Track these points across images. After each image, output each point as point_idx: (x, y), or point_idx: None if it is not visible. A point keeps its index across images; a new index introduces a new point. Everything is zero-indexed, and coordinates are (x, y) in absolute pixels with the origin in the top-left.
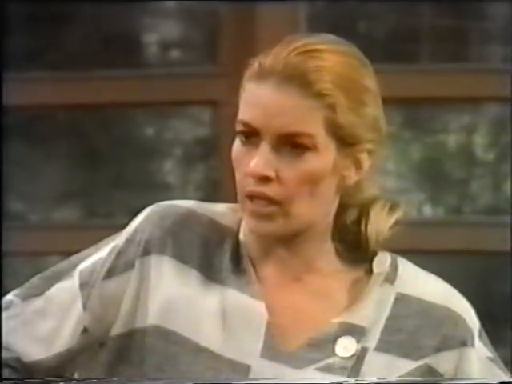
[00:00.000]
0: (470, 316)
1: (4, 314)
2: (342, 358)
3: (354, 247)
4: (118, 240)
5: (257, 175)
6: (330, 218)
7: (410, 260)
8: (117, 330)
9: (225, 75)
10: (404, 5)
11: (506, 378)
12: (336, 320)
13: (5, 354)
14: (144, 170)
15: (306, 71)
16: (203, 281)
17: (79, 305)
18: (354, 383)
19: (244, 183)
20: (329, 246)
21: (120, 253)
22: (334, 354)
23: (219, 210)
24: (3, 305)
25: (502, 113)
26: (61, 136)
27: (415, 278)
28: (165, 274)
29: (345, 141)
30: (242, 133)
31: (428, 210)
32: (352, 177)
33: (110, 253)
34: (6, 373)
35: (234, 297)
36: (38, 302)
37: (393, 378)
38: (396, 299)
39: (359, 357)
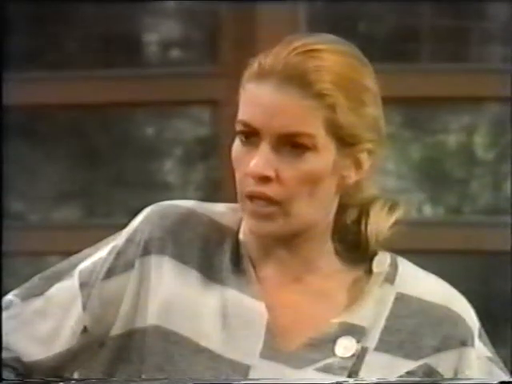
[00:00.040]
0: (469, 316)
1: (4, 314)
2: (342, 358)
3: (354, 247)
4: (118, 240)
5: (257, 175)
6: (330, 218)
7: (410, 260)
8: (117, 329)
9: (225, 75)
10: (404, 5)
11: (506, 378)
12: (336, 320)
13: (5, 354)
14: (144, 169)
15: (305, 71)
16: (203, 281)
17: (79, 305)
18: (353, 383)
19: (244, 183)
20: (329, 246)
21: (120, 253)
22: (333, 354)
23: (219, 209)
24: (3, 305)
25: (502, 113)
26: (61, 136)
27: (415, 278)
28: (165, 273)
29: (345, 141)
30: (241, 133)
31: (428, 210)
32: (352, 177)
33: (109, 253)
34: (5, 373)
35: (233, 297)
36: (37, 302)
37: (393, 378)
38: (396, 299)
39: (359, 357)
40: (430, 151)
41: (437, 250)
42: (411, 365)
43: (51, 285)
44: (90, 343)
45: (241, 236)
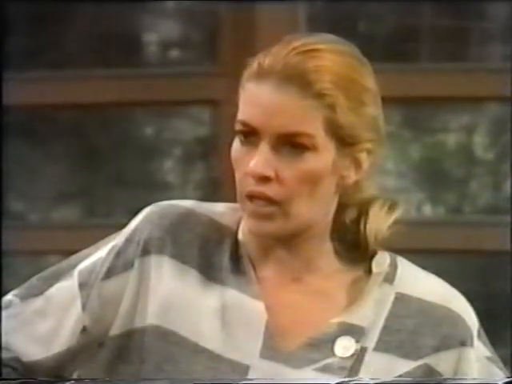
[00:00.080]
0: (469, 316)
1: (3, 314)
2: (341, 358)
3: (354, 247)
4: (118, 240)
5: (256, 175)
6: (330, 218)
7: (410, 259)
8: (116, 329)
9: (225, 75)
10: (404, 4)
11: (506, 378)
12: (335, 320)
13: (4, 354)
14: (144, 169)
15: (305, 71)
16: (202, 281)
17: (78, 305)
18: (353, 383)
19: (244, 183)
20: (328, 246)
21: (119, 253)
22: (333, 354)
23: (218, 209)
24: (3, 305)
25: (501, 112)
26: (61, 135)
27: (415, 278)
28: (164, 273)
29: (344, 140)
30: (241, 132)
31: (428, 210)
32: (351, 176)
33: (109, 253)
34: (5, 372)
35: (233, 296)
36: (37, 302)
37: (392, 378)
38: (395, 299)
39: (358, 357)
40: (429, 151)
41: (436, 249)
42: (411, 365)
43: (51, 285)
44: (90, 343)
45: (240, 236)
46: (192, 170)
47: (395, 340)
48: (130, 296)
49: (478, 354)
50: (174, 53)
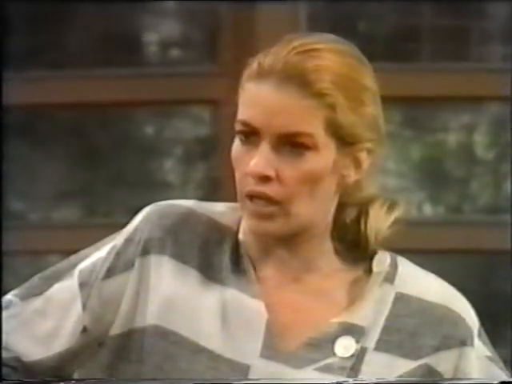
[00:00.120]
0: (469, 315)
1: (4, 314)
2: (342, 357)
3: (354, 246)
4: (118, 240)
5: (257, 175)
6: (330, 218)
7: (410, 259)
8: (116, 329)
9: (225, 74)
10: (404, 4)
11: (506, 378)
12: (335, 320)
13: (4, 354)
14: (144, 169)
15: (305, 71)
16: (203, 280)
17: (79, 304)
18: (353, 383)
19: (244, 183)
20: (328, 246)
21: (119, 252)
22: (333, 353)
23: (219, 209)
24: (3, 304)
25: (502, 112)
26: (61, 135)
27: (415, 278)
28: (164, 273)
29: (344, 140)
30: (241, 132)
31: (428, 209)
32: (351, 176)
33: (109, 252)
34: (5, 372)
35: (233, 296)
36: (37, 302)
37: (392, 378)
38: (395, 299)
39: (358, 357)
40: (430, 150)
41: (437, 249)
42: (411, 364)
43: (51, 285)
44: (90, 343)
45: (240, 236)
46: (192, 170)
47: (395, 340)
48: (130, 296)
49: (479, 354)
50: (175, 52)
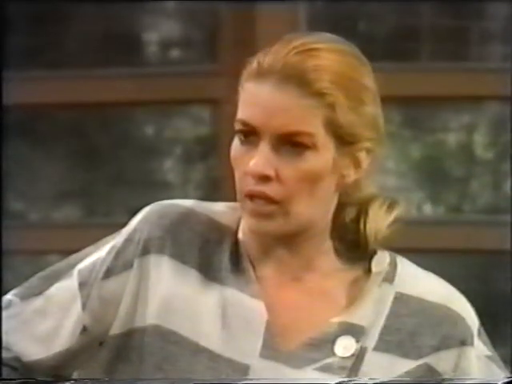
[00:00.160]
0: (469, 315)
1: (3, 314)
2: (341, 357)
3: (353, 246)
4: (117, 239)
5: (256, 174)
6: (329, 217)
7: (410, 259)
8: (116, 329)
9: (225, 74)
10: (404, 4)
11: (506, 378)
12: (335, 320)
13: (4, 354)
14: (144, 168)
15: (305, 70)
16: (202, 280)
17: (78, 304)
18: (353, 383)
19: (243, 182)
20: (328, 245)
21: (119, 252)
22: (333, 353)
23: (218, 209)
24: (3, 304)
25: (501, 112)
26: (61, 135)
27: (414, 277)
28: (164, 273)
29: (344, 139)
30: (241, 132)
31: (428, 209)
32: (351, 175)
33: (108, 252)
34: (5, 372)
35: (233, 296)
36: (37, 302)
37: (392, 378)
38: (395, 298)
39: (358, 356)
40: (430, 150)
41: (437, 248)
42: (411, 364)
43: (50, 284)
44: (90, 343)
45: (240, 235)
46: (192, 170)
47: (395, 339)
48: (129, 295)
49: (478, 353)
50: (175, 52)
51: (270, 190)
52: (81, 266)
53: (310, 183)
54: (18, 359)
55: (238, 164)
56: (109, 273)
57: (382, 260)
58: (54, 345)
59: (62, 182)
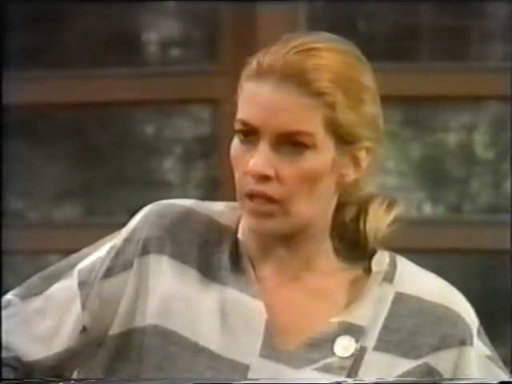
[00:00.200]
0: (469, 315)
1: (3, 314)
2: (341, 357)
3: (353, 245)
4: (117, 239)
5: (256, 174)
6: (329, 216)
7: (410, 258)
8: (116, 329)
9: (225, 74)
10: (404, 4)
11: (506, 378)
12: (335, 319)
13: (4, 354)
14: (144, 168)
15: (304, 70)
16: (202, 280)
17: (78, 304)
18: (352, 383)
19: (243, 182)
20: (327, 245)
21: (118, 252)
22: (332, 353)
23: (218, 208)
24: (2, 304)
25: (501, 111)
26: (61, 134)
27: (414, 277)
28: (163, 273)
29: (344, 139)
30: (240, 131)
31: (428, 209)
32: (351, 175)
33: (108, 252)
34: (5, 372)
35: (232, 296)
36: (37, 302)
37: (392, 378)
38: (395, 298)
39: (358, 356)
40: (430, 150)
41: (437, 248)
42: (410, 364)
43: (50, 284)
44: (89, 342)
45: (240, 235)
46: (192, 169)
47: (395, 339)
48: (129, 295)
49: (478, 353)
50: (175, 52)
51: (269, 189)
52: (81, 265)
53: (309, 183)
54: (17, 359)
55: (237, 164)
56: (109, 272)
57: (381, 260)
58: (54, 345)
59: (62, 182)
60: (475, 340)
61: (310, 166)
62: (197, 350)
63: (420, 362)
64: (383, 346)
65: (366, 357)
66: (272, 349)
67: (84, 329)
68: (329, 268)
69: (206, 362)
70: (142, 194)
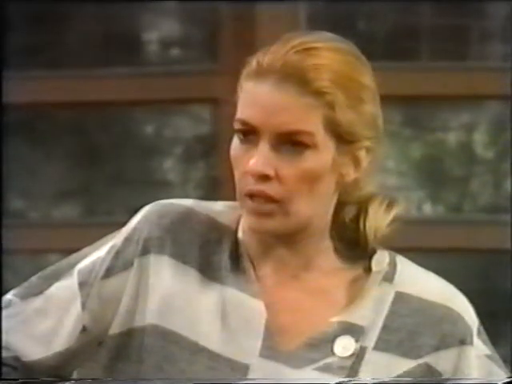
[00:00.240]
0: (469, 314)
1: (3, 313)
2: (341, 357)
3: (353, 245)
4: (117, 239)
5: (256, 174)
6: (329, 216)
7: (410, 258)
8: (116, 329)
9: (225, 73)
10: (404, 3)
11: (506, 377)
12: (335, 319)
13: (4, 354)
14: (144, 167)
15: (304, 69)
16: (202, 280)
17: (78, 304)
18: (352, 383)
19: (243, 182)
20: (327, 244)
21: (118, 252)
22: (332, 353)
23: (218, 208)
24: (3, 304)
25: (501, 111)
26: (61, 134)
27: (414, 277)
28: (163, 273)
29: (343, 138)
30: (240, 131)
31: (428, 208)
32: (350, 174)
33: (108, 252)
34: (5, 372)
35: (232, 296)
36: (37, 302)
37: (392, 378)
38: (395, 298)
39: (358, 356)
40: (430, 149)
41: (437, 248)
42: (410, 364)
43: (50, 284)
44: (89, 342)
45: (240, 234)
46: (192, 169)
47: (395, 339)
48: (129, 295)
49: (478, 353)
50: (175, 51)
51: (269, 189)
52: (81, 265)
53: (309, 182)
54: (17, 359)
55: (237, 163)
56: (109, 272)
57: (381, 259)
58: (54, 344)
59: (62, 181)
60: (475, 339)
61: (310, 165)
62: (197, 349)
63: (420, 361)
64: (383, 345)
65: (366, 357)
66: (272, 349)
67: (84, 329)
68: (329, 267)
69: (205, 361)
70: (142, 194)
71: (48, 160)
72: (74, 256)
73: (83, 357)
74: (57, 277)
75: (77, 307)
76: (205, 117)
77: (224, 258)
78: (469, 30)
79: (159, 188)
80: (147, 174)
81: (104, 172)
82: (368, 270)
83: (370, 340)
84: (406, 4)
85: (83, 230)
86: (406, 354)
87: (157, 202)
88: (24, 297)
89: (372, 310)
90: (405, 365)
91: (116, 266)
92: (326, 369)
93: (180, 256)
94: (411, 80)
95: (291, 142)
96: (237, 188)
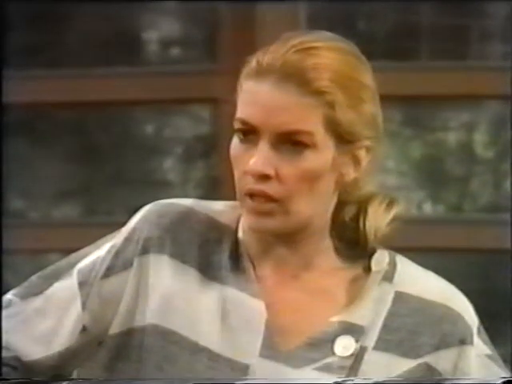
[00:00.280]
0: (469, 314)
1: (3, 313)
2: (341, 357)
3: (353, 244)
4: (117, 239)
5: (256, 173)
6: (329, 215)
7: (410, 258)
8: (115, 328)
9: (225, 73)
10: (404, 3)
11: (506, 376)
12: (335, 319)
13: (4, 353)
14: (144, 167)
15: (304, 69)
16: (202, 279)
17: (78, 304)
18: (352, 383)
19: (243, 181)
20: (327, 244)
21: (118, 252)
22: (332, 353)
23: (218, 207)
24: (3, 304)
25: (501, 110)
26: (61, 134)
27: (414, 276)
28: (163, 272)
29: (343, 138)
30: (240, 131)
31: (428, 208)
32: (350, 174)
33: (108, 252)
34: (5, 372)
35: (232, 295)
36: (37, 301)
37: (392, 377)
38: (395, 298)
39: (358, 356)
40: (430, 149)
41: (437, 247)
42: (410, 363)
43: (50, 284)
44: (89, 342)
45: (240, 234)
46: (192, 169)
47: (395, 339)
48: (129, 295)
49: (478, 352)
50: (175, 51)
51: (269, 188)
52: (81, 265)
53: (309, 182)
54: (17, 359)
55: (237, 163)
56: (108, 272)
57: (381, 259)
58: (54, 344)
59: (62, 181)
60: (475, 339)
61: (310, 165)
62: (197, 349)
63: (420, 361)
64: (383, 345)
65: (366, 356)
66: (272, 348)
67: (84, 328)
68: (329, 267)
69: (205, 361)
70: (142, 194)
71: (48, 160)
72: (74, 256)
73: (83, 357)
74: (57, 276)
75: (77, 307)
76: (205, 117)
77: (224, 258)
78: (469, 29)
79: (159, 188)
80: (147, 174)
81: (104, 172)
82: (368, 269)
83: (370, 340)
84: (406, 4)
85: (83, 229)
86: (406, 353)
87: (156, 202)
88: (24, 296)
89: (372, 310)
90: (405, 364)
91: (116, 265)
92: (326, 368)
93: (180, 256)
94: (411, 80)
95: (291, 142)
96: (237, 187)
